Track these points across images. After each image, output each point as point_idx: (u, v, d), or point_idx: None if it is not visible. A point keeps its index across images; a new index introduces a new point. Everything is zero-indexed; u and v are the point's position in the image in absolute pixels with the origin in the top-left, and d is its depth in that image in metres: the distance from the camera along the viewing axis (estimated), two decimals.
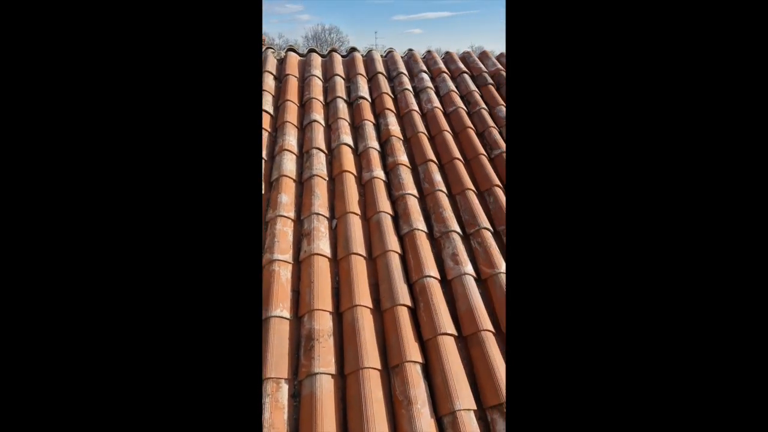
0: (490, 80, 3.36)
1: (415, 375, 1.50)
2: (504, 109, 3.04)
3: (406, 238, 2.03)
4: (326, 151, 2.51)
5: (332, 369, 1.50)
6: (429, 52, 3.79)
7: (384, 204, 2.16)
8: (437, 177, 2.38)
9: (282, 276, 1.77)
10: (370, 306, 1.72)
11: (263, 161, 2.36)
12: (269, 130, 2.61)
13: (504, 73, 3.45)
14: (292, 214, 2.06)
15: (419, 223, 2.08)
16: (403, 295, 1.74)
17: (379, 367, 1.53)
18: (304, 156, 2.45)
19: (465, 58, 3.75)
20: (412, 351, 1.55)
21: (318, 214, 2.06)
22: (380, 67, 3.35)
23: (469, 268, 1.89)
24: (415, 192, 2.29)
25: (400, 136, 2.69)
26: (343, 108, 2.83)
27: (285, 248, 1.88)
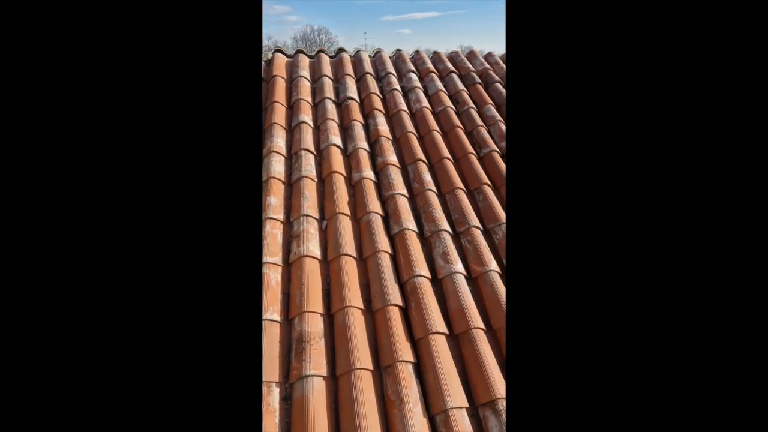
0: (477, 79, 3.38)
1: (406, 374, 1.50)
2: (492, 108, 3.06)
3: (396, 238, 2.04)
4: (315, 153, 2.50)
5: (324, 371, 1.49)
6: (417, 52, 3.80)
7: (374, 204, 2.16)
8: (427, 176, 2.39)
9: (272, 279, 1.76)
10: (361, 307, 1.72)
11: None
12: None
13: (491, 72, 3.47)
14: (281, 216, 2.05)
15: (409, 222, 2.08)
16: (394, 295, 1.74)
17: (371, 367, 1.53)
18: (292, 157, 2.43)
19: (453, 57, 3.76)
20: (404, 350, 1.56)
21: (307, 215, 2.05)
22: (368, 67, 3.35)
23: (459, 266, 1.89)
24: (405, 192, 2.29)
25: (390, 136, 2.69)
26: (331, 109, 2.82)
27: (274, 251, 1.86)
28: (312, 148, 2.49)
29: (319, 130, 2.69)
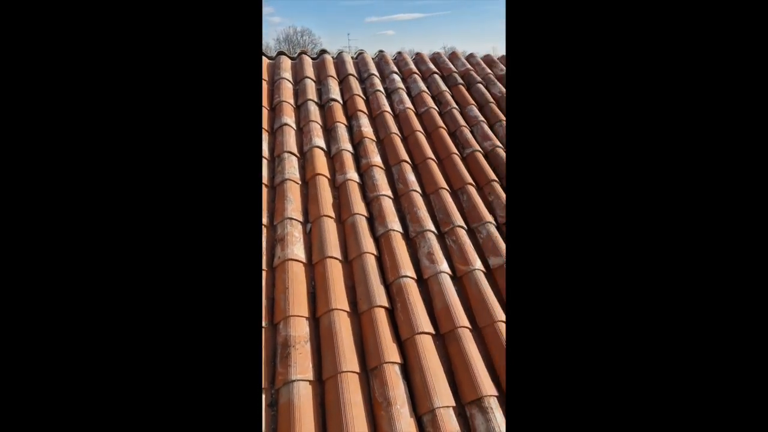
0: (460, 80, 3.41)
1: (393, 376, 1.49)
2: (474, 108, 3.09)
3: (381, 239, 2.03)
4: (298, 155, 2.48)
5: (310, 375, 1.48)
6: (399, 53, 3.82)
7: (358, 206, 2.15)
8: (411, 177, 2.39)
9: None
10: (347, 309, 1.71)
11: None
12: None
13: (473, 73, 3.51)
14: (264, 220, 2.02)
15: (394, 223, 2.08)
16: (380, 296, 1.74)
17: (358, 370, 1.52)
18: (275, 160, 2.41)
19: (435, 58, 3.79)
20: (390, 352, 1.55)
21: (291, 218, 2.03)
22: (351, 68, 3.35)
23: (444, 266, 1.90)
24: (389, 193, 2.29)
25: (373, 138, 2.69)
26: (314, 110, 2.80)
27: None
28: (295, 151, 2.47)
29: (301, 132, 2.67)
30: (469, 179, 2.43)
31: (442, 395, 1.44)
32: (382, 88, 3.18)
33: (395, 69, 3.46)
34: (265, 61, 3.33)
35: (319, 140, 2.55)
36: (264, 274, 1.80)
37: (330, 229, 2.01)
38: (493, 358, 1.63)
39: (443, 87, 3.28)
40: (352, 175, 2.35)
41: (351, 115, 2.88)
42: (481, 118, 2.99)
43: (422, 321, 1.66)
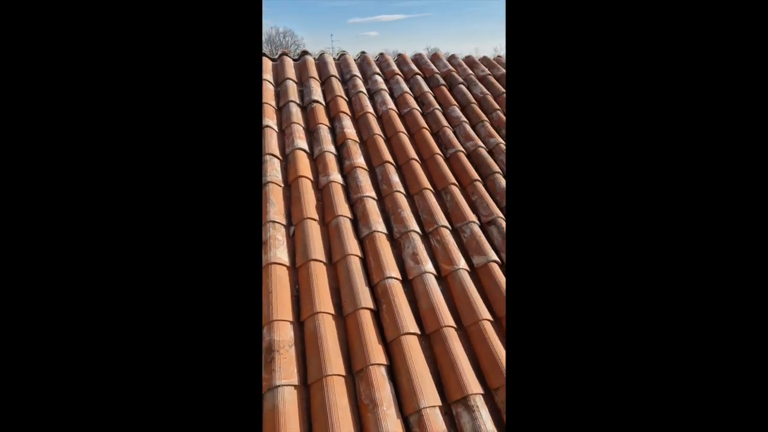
0: (442, 81, 3.44)
1: (379, 377, 1.49)
2: (457, 109, 3.12)
3: (366, 241, 2.03)
4: (280, 157, 2.45)
5: (295, 380, 1.46)
6: (381, 54, 3.82)
7: (342, 208, 2.14)
8: (395, 178, 2.40)
9: None
10: (332, 312, 1.70)
11: None
12: None
13: (455, 74, 3.54)
14: None
15: (378, 225, 2.08)
16: (365, 298, 1.73)
17: (343, 373, 1.51)
18: None
19: (417, 59, 3.81)
20: (376, 354, 1.55)
21: (274, 221, 2.00)
22: (333, 70, 3.33)
23: (429, 266, 1.91)
24: (373, 194, 2.29)
25: (356, 139, 2.68)
26: (296, 112, 2.78)
27: None
28: (277, 153, 2.44)
29: (284, 134, 2.64)
30: (453, 179, 2.45)
31: (428, 395, 1.44)
32: (364, 90, 3.17)
33: (377, 70, 3.46)
34: None
35: (302, 142, 2.53)
36: None
37: (314, 232, 1.99)
38: (479, 357, 1.64)
39: (426, 88, 3.30)
40: (336, 176, 2.34)
41: (334, 117, 2.86)
42: (464, 118, 3.02)
43: (408, 322, 1.66)
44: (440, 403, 1.45)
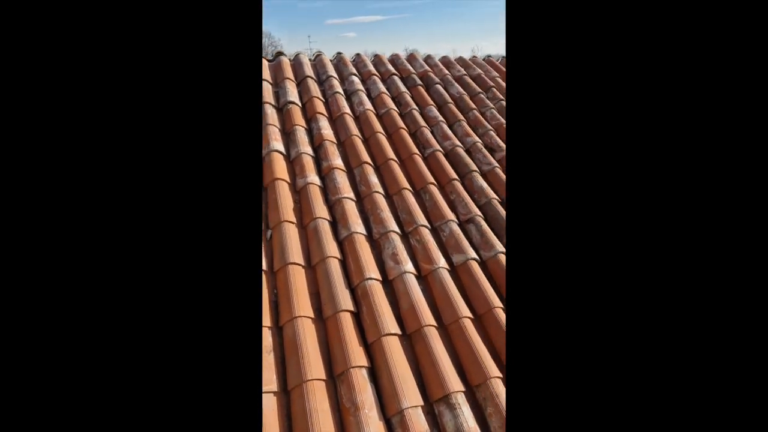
0: (419, 81, 3.45)
1: (361, 380, 1.48)
2: (434, 109, 3.14)
3: (345, 243, 2.01)
4: None
5: (274, 386, 1.43)
6: (358, 55, 3.81)
7: (321, 210, 2.12)
8: (373, 179, 2.39)
9: None
10: (312, 316, 1.67)
11: None
12: None
13: (432, 75, 3.57)
14: None
15: (358, 226, 2.07)
16: (345, 300, 1.72)
17: (324, 377, 1.49)
18: None
19: (394, 60, 3.82)
20: (357, 356, 1.53)
21: None
22: (309, 71, 3.30)
23: (409, 266, 1.91)
24: (352, 195, 2.27)
25: (334, 140, 2.66)
26: (271, 114, 2.73)
27: None
28: None
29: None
30: (431, 179, 2.46)
31: (410, 395, 1.44)
32: (341, 90, 3.15)
33: (354, 71, 3.44)
34: None
35: (278, 144, 2.49)
36: None
37: (291, 235, 1.96)
38: (459, 355, 1.65)
39: (403, 88, 3.31)
40: (313, 178, 2.31)
41: (310, 118, 2.83)
42: (441, 118, 3.04)
43: (388, 323, 1.65)
44: (422, 403, 1.45)
